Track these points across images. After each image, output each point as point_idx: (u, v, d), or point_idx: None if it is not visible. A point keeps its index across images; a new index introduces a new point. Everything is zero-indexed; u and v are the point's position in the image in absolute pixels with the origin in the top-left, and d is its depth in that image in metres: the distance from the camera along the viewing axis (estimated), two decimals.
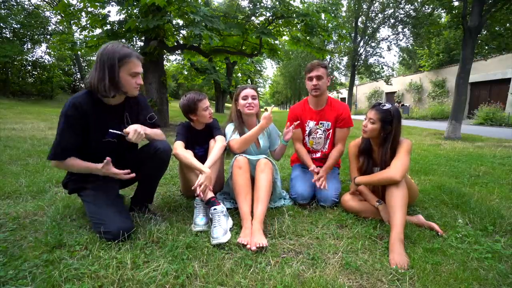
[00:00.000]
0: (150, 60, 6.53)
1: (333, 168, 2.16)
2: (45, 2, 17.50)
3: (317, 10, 7.04)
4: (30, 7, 16.23)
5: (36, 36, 15.81)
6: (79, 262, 1.19)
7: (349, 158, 1.95)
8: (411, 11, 13.17)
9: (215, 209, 1.52)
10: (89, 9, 6.15)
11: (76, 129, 1.41)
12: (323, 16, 7.32)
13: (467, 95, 11.05)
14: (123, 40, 6.31)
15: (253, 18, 7.73)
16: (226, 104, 19.99)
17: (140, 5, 5.52)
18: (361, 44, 16.58)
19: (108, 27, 6.37)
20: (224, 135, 1.95)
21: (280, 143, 2.13)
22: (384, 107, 1.66)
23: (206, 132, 1.96)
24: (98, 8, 6.03)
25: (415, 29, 12.44)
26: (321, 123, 2.14)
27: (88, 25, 6.41)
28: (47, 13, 17.23)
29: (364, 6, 15.47)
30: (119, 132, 1.40)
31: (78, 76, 19.14)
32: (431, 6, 9.35)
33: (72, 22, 6.72)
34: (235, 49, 8.26)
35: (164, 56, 10.10)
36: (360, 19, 16.31)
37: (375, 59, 17.58)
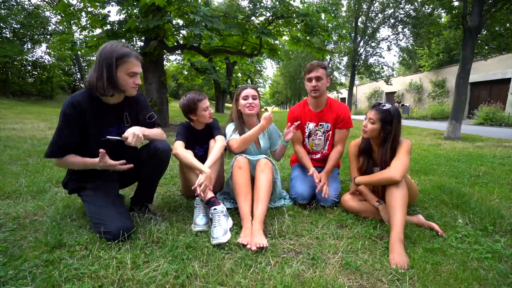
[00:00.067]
0: (150, 60, 6.53)
1: (333, 168, 2.16)
2: (45, 2, 17.51)
3: (317, 10, 7.04)
4: (30, 7, 16.24)
5: (36, 36, 15.83)
6: (79, 262, 1.19)
7: (349, 158, 1.95)
8: (411, 11, 13.17)
9: (215, 209, 1.52)
10: (89, 9, 6.15)
11: (75, 128, 1.42)
12: (323, 16, 7.32)
13: (467, 95, 11.05)
14: (123, 40, 6.31)
15: (253, 18, 7.73)
16: (226, 104, 19.99)
17: (140, 5, 5.52)
18: (361, 44, 16.59)
19: (108, 27, 6.37)
20: (224, 135, 1.95)
21: (280, 143, 2.12)
22: (384, 107, 1.66)
23: (206, 132, 1.96)
24: (98, 8, 6.03)
25: (415, 29, 12.45)
26: (320, 125, 2.13)
27: (88, 25, 6.41)
28: (47, 13, 17.26)
29: (364, 6, 15.47)
30: (118, 138, 1.39)
31: (78, 76, 19.15)
32: (431, 6, 9.35)
33: (72, 22, 6.72)
34: (235, 49, 8.26)
35: (164, 56, 10.11)
36: (360, 19, 16.32)
37: (375, 59, 17.61)
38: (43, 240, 1.34)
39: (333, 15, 7.58)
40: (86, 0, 5.61)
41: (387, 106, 1.67)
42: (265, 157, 1.80)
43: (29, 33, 15.18)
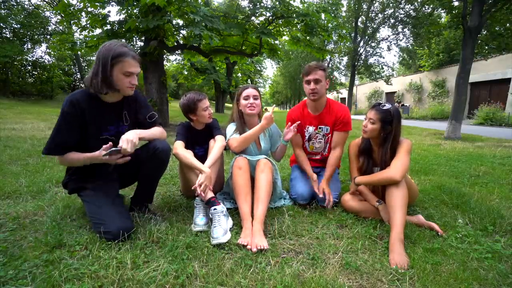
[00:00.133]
0: (150, 60, 6.54)
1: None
2: (45, 2, 17.51)
3: (317, 10, 7.04)
4: (30, 7, 16.23)
5: (36, 36, 15.81)
6: (79, 262, 1.19)
7: (349, 158, 1.95)
8: (411, 11, 13.18)
9: (215, 209, 1.52)
10: (89, 9, 6.15)
11: (73, 126, 1.42)
12: (323, 16, 7.32)
13: (467, 95, 11.05)
14: (123, 40, 6.31)
15: (253, 18, 7.72)
16: (226, 104, 19.99)
17: (140, 5, 5.52)
18: (361, 44, 16.60)
19: (108, 27, 6.37)
20: (224, 135, 1.95)
21: (280, 143, 2.11)
22: (384, 107, 1.66)
23: (206, 132, 1.96)
24: (98, 8, 6.03)
25: (415, 29, 12.46)
26: (320, 128, 2.08)
27: (88, 25, 6.41)
28: (47, 13, 17.25)
29: (364, 6, 15.48)
30: (114, 148, 1.38)
31: (78, 76, 19.15)
32: (431, 6, 9.35)
33: (72, 22, 6.72)
34: (235, 49, 8.26)
35: (164, 56, 10.11)
36: (360, 19, 16.33)
37: (375, 59, 17.62)
38: (43, 240, 1.34)
39: (333, 15, 7.58)
40: (86, 0, 5.61)
41: (387, 106, 1.67)
42: (265, 157, 1.80)
43: (29, 33, 15.17)
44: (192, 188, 1.60)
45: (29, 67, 15.38)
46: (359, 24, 16.43)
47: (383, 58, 20.68)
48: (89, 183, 1.55)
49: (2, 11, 13.81)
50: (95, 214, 1.44)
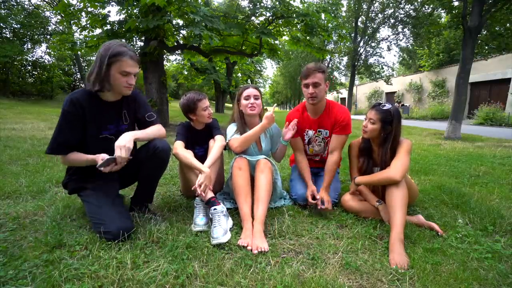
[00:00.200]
0: (150, 60, 6.53)
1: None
2: (45, 2, 17.50)
3: (317, 10, 7.04)
4: (30, 7, 16.24)
5: (36, 36, 15.82)
6: (79, 262, 1.19)
7: (349, 158, 1.95)
8: (411, 11, 13.19)
9: (215, 209, 1.52)
10: (89, 9, 6.15)
11: (74, 125, 1.43)
12: (323, 16, 7.31)
13: (467, 95, 11.06)
14: (123, 40, 6.31)
15: (253, 18, 7.72)
16: (226, 104, 19.99)
17: (140, 5, 5.51)
18: (361, 44, 16.60)
19: (108, 27, 6.37)
20: (224, 135, 1.94)
21: (280, 143, 2.11)
22: (384, 107, 1.66)
23: (206, 132, 1.96)
24: (98, 8, 6.02)
25: (415, 29, 12.47)
26: (319, 131, 2.05)
27: (88, 25, 6.41)
28: (47, 13, 17.25)
29: (364, 6, 15.49)
30: (110, 157, 1.38)
31: (78, 76, 19.16)
32: (431, 6, 9.36)
33: (72, 22, 6.71)
34: (235, 49, 8.25)
35: (164, 56, 10.10)
36: (360, 19, 16.33)
37: (375, 59, 17.62)
38: (43, 240, 1.34)
39: (333, 15, 7.57)
40: (86, 0, 5.61)
41: (387, 106, 1.67)
42: (265, 158, 1.80)
43: (29, 33, 15.17)
44: (192, 188, 1.60)
45: (29, 67, 15.40)
46: (359, 24, 16.43)
47: (383, 58, 20.71)
48: (89, 183, 1.55)
49: (2, 11, 13.82)
50: (95, 214, 1.44)
